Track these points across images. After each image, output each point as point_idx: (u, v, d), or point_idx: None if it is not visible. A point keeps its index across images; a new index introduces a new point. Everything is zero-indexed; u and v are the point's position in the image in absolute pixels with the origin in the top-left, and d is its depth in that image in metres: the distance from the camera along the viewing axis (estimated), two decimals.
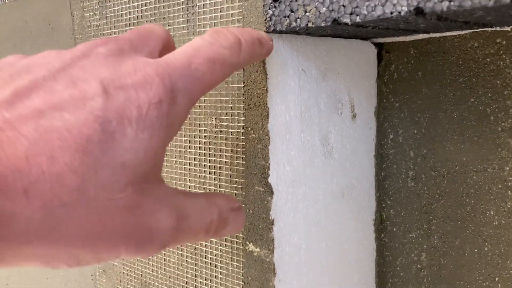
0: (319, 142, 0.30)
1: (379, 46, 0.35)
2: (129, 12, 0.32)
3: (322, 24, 0.23)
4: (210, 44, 0.20)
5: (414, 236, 0.36)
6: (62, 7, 0.37)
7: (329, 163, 0.31)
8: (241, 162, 0.28)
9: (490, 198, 0.32)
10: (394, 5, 0.21)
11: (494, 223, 0.32)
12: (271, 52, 0.25)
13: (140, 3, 0.31)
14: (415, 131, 0.35)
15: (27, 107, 0.16)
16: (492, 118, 0.31)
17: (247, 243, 0.28)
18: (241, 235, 0.28)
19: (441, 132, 0.33)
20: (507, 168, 0.31)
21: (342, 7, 0.22)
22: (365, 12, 0.22)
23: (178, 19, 0.29)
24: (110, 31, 0.34)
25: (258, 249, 0.27)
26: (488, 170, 0.32)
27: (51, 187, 0.15)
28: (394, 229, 0.37)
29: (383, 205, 0.37)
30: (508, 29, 0.29)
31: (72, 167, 0.15)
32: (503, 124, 0.31)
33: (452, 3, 0.19)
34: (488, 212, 0.32)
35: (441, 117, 0.33)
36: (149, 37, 0.21)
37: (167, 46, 0.23)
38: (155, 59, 0.19)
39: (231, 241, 0.29)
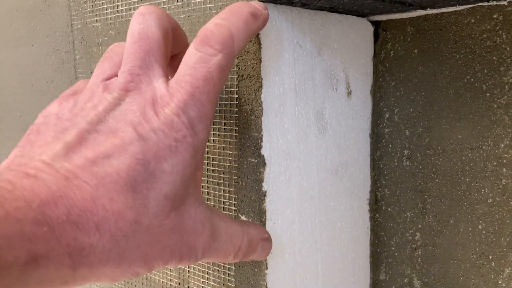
0: (313, 117, 0.30)
1: (375, 24, 0.35)
2: None
3: None
4: (203, 61, 0.22)
5: (409, 215, 0.36)
6: None
7: (323, 138, 0.31)
8: (234, 134, 0.28)
9: (485, 175, 0.32)
10: None
11: (488, 201, 0.32)
12: (267, 21, 0.25)
13: None
14: (411, 110, 0.35)
15: (81, 158, 0.19)
16: (487, 95, 0.31)
17: (239, 215, 0.28)
18: (233, 208, 0.28)
19: (437, 110, 0.33)
20: (502, 145, 0.31)
21: None
22: None
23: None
24: (106, 6, 0.34)
25: (250, 221, 0.27)
26: (483, 147, 0.31)
27: (115, 222, 0.19)
28: (389, 209, 0.37)
29: (378, 184, 0.37)
30: (505, 3, 0.29)
31: (127, 204, 0.19)
32: (498, 100, 0.31)
33: None
34: (483, 190, 0.32)
35: (437, 95, 0.33)
36: (150, 52, 0.22)
37: (176, 34, 0.24)
38: (167, 90, 0.21)
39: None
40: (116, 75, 0.22)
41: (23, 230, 0.16)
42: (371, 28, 0.35)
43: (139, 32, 0.22)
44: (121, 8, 0.33)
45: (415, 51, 0.34)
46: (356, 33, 0.33)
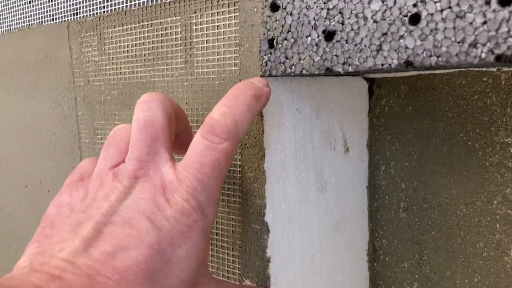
0: (313, 178, 0.31)
1: (370, 80, 0.36)
2: (127, 50, 0.33)
3: (316, 72, 0.24)
4: (210, 148, 0.23)
5: (406, 266, 0.36)
6: (61, 42, 0.38)
7: (323, 197, 0.32)
8: (237, 200, 0.28)
9: (479, 230, 0.33)
10: (385, 57, 0.22)
11: (483, 255, 0.33)
12: (269, 97, 0.26)
13: (139, 42, 0.32)
14: (406, 164, 0.36)
15: (101, 253, 0.20)
16: (480, 153, 0.32)
17: (243, 279, 0.29)
18: (237, 271, 0.29)
19: (432, 166, 0.34)
20: (495, 202, 0.32)
21: (335, 57, 0.23)
22: (357, 63, 0.23)
23: (176, 59, 0.30)
24: (108, 67, 0.35)
25: (254, 286, 0.28)
26: (477, 203, 0.33)
27: None
28: (387, 259, 0.37)
29: (376, 235, 0.38)
30: (494, 70, 0.30)
31: None
32: (490, 159, 0.32)
33: (440, 58, 0.20)
34: (477, 244, 0.33)
35: (431, 151, 0.34)
36: (156, 138, 0.23)
37: (178, 116, 0.25)
38: (177, 178, 0.22)
39: (227, 277, 0.29)
40: (123, 161, 0.23)
41: None
42: (365, 85, 0.36)
43: (144, 119, 0.23)
44: (124, 71, 0.34)
45: (409, 108, 0.35)
46: (352, 91, 0.34)
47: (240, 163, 0.28)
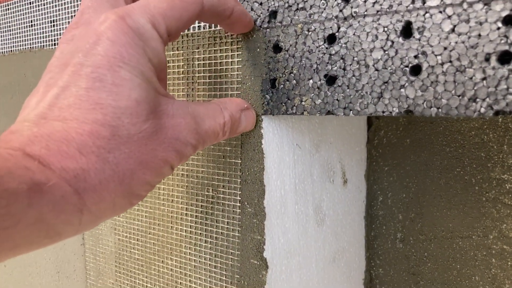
0: (312, 212, 0.31)
1: None
2: None
3: (317, 114, 0.24)
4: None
5: None
6: None
7: (321, 230, 0.32)
8: (237, 234, 0.29)
9: (475, 264, 0.33)
10: (386, 105, 0.22)
11: None
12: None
13: None
14: (404, 195, 0.36)
15: (47, 99, 0.20)
16: (477, 188, 0.33)
17: None
18: None
19: (429, 198, 0.35)
20: (491, 237, 0.32)
21: (337, 101, 0.24)
22: (358, 109, 0.23)
23: (178, 92, 0.31)
24: None
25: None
26: (473, 237, 0.33)
27: (93, 142, 0.19)
28: None
29: (373, 264, 0.38)
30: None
31: (98, 123, 0.19)
32: (487, 194, 0.32)
33: (440, 110, 0.21)
34: (473, 278, 0.33)
35: (428, 184, 0.35)
36: None
37: None
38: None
39: None
40: None
41: (18, 161, 0.17)
42: (364, 117, 0.36)
43: None
44: None
45: (407, 140, 0.35)
46: (351, 124, 0.35)
47: (240, 198, 0.28)
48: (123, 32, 0.20)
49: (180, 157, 0.22)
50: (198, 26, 0.29)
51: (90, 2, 0.23)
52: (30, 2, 0.41)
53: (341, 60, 0.23)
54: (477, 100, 0.20)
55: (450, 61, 0.20)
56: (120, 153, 0.20)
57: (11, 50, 0.44)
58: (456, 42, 0.20)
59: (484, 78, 0.19)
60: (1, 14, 0.45)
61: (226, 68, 0.28)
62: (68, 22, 0.38)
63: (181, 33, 0.27)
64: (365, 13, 0.22)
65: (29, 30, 0.42)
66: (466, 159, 0.33)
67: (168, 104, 0.22)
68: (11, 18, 0.44)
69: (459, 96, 0.20)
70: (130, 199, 0.21)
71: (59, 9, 0.38)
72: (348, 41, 0.23)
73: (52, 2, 0.39)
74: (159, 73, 0.23)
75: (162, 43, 0.22)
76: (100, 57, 0.20)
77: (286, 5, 0.25)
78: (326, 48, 0.24)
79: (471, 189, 0.33)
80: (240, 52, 0.27)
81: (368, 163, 0.37)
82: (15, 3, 0.43)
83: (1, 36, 0.45)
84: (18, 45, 0.43)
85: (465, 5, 0.19)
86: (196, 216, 0.31)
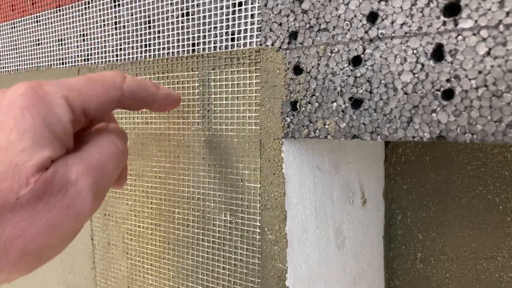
0: (333, 235, 0.30)
1: None
2: None
3: (342, 139, 0.24)
4: None
5: None
6: None
7: (342, 253, 0.31)
8: (256, 261, 0.28)
9: (501, 286, 0.32)
10: (416, 130, 0.21)
11: None
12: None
13: None
14: (424, 214, 0.35)
15: None
16: (501, 207, 0.32)
17: None
18: None
19: (450, 217, 0.34)
20: None
21: (363, 125, 0.23)
22: (386, 133, 0.22)
23: (193, 113, 0.30)
24: (121, 115, 0.34)
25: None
26: (498, 258, 0.32)
27: None
28: None
29: (392, 285, 0.37)
30: None
31: None
32: None
33: (474, 136, 0.20)
34: None
35: (449, 203, 0.34)
36: None
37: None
38: None
39: None
40: None
41: None
42: None
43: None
44: (137, 121, 0.33)
45: (427, 158, 0.35)
46: (369, 143, 0.34)
47: (259, 224, 0.27)
48: (27, 97, 0.19)
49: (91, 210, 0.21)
50: (214, 47, 0.28)
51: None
52: (37, 21, 0.40)
53: (367, 83, 0.22)
54: None
55: (486, 86, 0.19)
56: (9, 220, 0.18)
57: (17, 69, 0.44)
58: (492, 66, 0.19)
59: None
60: (8, 32, 0.44)
61: (243, 90, 0.27)
62: (77, 41, 0.37)
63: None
64: (393, 34, 0.21)
65: (36, 48, 0.41)
66: (489, 178, 0.32)
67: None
68: (18, 36, 0.43)
69: (495, 122, 0.19)
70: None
71: (67, 28, 0.38)
72: (374, 63, 0.22)
73: (60, 21, 0.38)
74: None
75: (70, 113, 0.20)
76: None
77: (308, 25, 0.24)
78: (351, 70, 0.23)
79: (494, 208, 0.32)
80: (259, 74, 0.26)
81: (386, 181, 0.36)
82: (21, 21, 0.42)
83: (7, 54, 0.45)
84: (24, 63, 0.43)
85: (501, 28, 0.19)
86: (213, 241, 0.30)
